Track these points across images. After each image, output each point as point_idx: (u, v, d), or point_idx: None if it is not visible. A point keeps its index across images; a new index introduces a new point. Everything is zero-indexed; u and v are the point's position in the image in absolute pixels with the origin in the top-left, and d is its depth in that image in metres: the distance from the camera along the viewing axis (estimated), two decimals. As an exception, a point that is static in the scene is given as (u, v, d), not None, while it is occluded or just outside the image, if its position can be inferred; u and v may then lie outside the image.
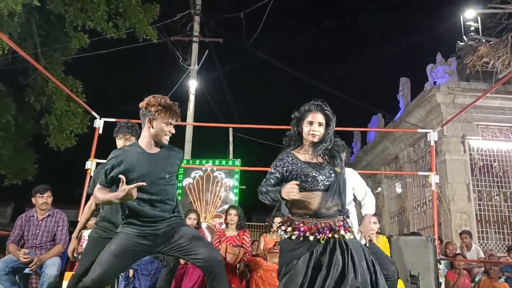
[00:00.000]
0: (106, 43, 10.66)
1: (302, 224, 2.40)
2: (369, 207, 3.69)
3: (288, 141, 2.62)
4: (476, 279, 6.24)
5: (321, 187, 2.42)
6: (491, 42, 10.20)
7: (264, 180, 2.53)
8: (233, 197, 8.62)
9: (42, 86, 10.36)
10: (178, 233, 2.69)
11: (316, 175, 2.43)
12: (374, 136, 14.44)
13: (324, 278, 2.23)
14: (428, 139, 6.43)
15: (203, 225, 7.26)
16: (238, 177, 8.79)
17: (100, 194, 2.60)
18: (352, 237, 2.41)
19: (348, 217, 2.52)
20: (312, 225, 2.38)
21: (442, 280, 5.58)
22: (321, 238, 2.33)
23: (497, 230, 9.42)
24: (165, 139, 2.70)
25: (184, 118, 10.47)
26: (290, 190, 2.29)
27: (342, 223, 2.41)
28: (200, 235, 2.79)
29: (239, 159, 9.82)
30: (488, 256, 7.21)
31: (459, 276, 5.84)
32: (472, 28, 11.24)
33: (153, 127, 2.66)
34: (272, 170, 2.53)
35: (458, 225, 8.99)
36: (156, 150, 2.72)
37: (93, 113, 6.17)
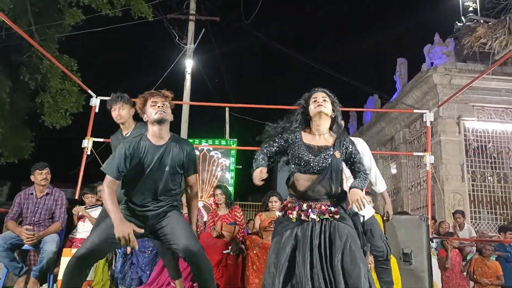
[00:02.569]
0: (101, 21, 10.53)
1: (290, 205, 2.53)
2: (381, 184, 3.73)
3: (289, 121, 2.70)
4: (468, 258, 6.37)
5: (313, 171, 2.51)
6: (489, 23, 10.17)
7: (267, 144, 2.65)
8: (229, 177, 8.68)
9: (36, 64, 10.25)
10: (165, 220, 2.76)
11: (310, 159, 2.51)
12: (370, 116, 14.46)
13: (292, 255, 2.37)
14: (424, 120, 6.46)
15: (200, 204, 7.32)
16: (234, 157, 8.84)
17: (108, 194, 2.64)
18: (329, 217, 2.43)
19: (342, 200, 2.54)
20: (296, 206, 2.50)
21: (434, 258, 5.69)
22: (295, 217, 2.46)
23: (489, 211, 9.56)
24: (155, 116, 2.73)
25: (180, 98, 10.44)
26: (254, 177, 2.45)
27: (325, 206, 2.45)
28: (185, 224, 2.77)
29: (235, 139, 9.84)
30: (479, 236, 7.35)
31: (448, 252, 5.93)
32: (471, 9, 11.19)
33: (146, 116, 2.79)
34: (277, 140, 2.64)
35: (452, 205, 9.11)
36: (162, 142, 2.79)
37: (89, 91, 6.14)
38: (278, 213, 2.63)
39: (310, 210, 2.45)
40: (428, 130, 6.41)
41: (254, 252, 4.67)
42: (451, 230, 6.76)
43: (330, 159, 2.50)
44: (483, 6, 10.95)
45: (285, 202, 2.62)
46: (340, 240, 2.34)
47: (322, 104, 2.56)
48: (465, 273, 6.09)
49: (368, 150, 3.64)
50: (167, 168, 2.74)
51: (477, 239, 6.84)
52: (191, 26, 11.41)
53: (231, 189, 8.74)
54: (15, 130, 11.10)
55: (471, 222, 9.07)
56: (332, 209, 2.44)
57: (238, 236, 4.91)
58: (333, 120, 2.62)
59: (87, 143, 5.92)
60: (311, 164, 2.50)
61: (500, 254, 6.15)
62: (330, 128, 2.64)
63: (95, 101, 6.11)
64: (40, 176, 4.45)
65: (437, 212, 9.14)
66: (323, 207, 2.45)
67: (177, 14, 11.39)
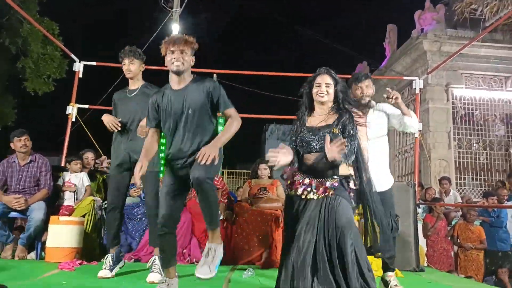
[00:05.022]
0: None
1: (297, 181, 2.65)
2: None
3: (301, 106, 2.81)
4: (453, 223, 6.51)
5: (316, 150, 2.62)
6: (481, -12, 10.02)
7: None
8: (218, 144, 8.62)
9: (17, 27, 9.88)
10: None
11: (310, 139, 2.64)
12: (358, 83, 14.37)
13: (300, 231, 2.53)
14: (414, 87, 6.46)
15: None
16: (222, 125, 8.75)
17: (146, 142, 2.87)
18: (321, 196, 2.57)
19: (347, 182, 2.72)
20: (300, 181, 2.63)
21: (420, 223, 5.80)
22: (304, 195, 2.60)
23: (474, 177, 9.73)
24: (172, 68, 2.74)
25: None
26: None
27: (326, 184, 2.57)
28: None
29: (223, 106, 9.71)
30: (466, 201, 7.49)
31: (437, 220, 6.07)
32: (462, -27, 10.99)
33: (166, 63, 2.79)
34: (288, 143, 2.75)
35: (437, 172, 9.24)
36: (182, 85, 2.79)
37: (72, 56, 5.95)
38: (288, 190, 2.71)
39: (310, 189, 2.58)
40: (417, 98, 6.41)
41: (244, 218, 4.69)
42: (437, 196, 6.87)
43: (330, 136, 2.58)
44: (474, -29, 10.77)
45: (294, 175, 2.71)
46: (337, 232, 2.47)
47: (323, 94, 2.69)
48: (449, 238, 6.24)
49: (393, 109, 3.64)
50: (190, 111, 2.72)
51: (463, 205, 6.97)
52: (177, -11, 11.03)
53: (219, 156, 8.70)
54: (-4, 96, 10.83)
55: (456, 188, 9.23)
56: (331, 185, 2.57)
57: (223, 200, 4.92)
58: (337, 99, 2.72)
59: (72, 110, 5.78)
60: (313, 144, 2.62)
61: (485, 219, 6.29)
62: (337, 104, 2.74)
63: (79, 66, 5.92)
64: (19, 143, 4.37)
65: (423, 179, 9.27)
66: (322, 188, 2.57)
67: (162, -24, 10.98)
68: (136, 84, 3.61)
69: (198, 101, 2.75)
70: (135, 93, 3.57)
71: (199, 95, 2.76)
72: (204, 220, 2.78)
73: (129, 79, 3.63)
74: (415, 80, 6.47)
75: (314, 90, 2.72)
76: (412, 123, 3.53)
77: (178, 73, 2.75)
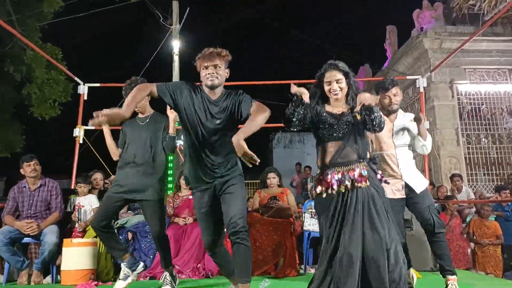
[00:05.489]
0: (83, 6, 10.27)
1: (328, 179, 2.56)
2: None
3: (312, 98, 2.72)
4: (467, 220, 6.43)
5: (338, 135, 2.58)
6: (478, -17, 10.00)
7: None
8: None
9: (20, 55, 10.02)
10: (227, 186, 2.74)
11: (333, 123, 2.58)
12: (362, 86, 14.37)
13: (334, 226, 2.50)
14: (417, 86, 6.44)
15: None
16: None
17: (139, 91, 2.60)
18: (364, 185, 2.50)
19: (374, 162, 2.66)
20: (327, 178, 2.55)
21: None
22: (334, 191, 2.53)
23: (485, 172, 9.62)
24: (207, 83, 2.69)
25: (169, 79, 10.28)
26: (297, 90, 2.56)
27: (357, 173, 2.50)
28: (238, 199, 2.70)
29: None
30: (479, 197, 7.39)
31: (451, 218, 5.99)
32: (458, -31, 10.99)
33: (201, 79, 2.74)
34: (299, 109, 2.62)
35: (448, 169, 9.15)
36: (213, 97, 2.73)
37: (76, 79, 6.02)
38: (317, 189, 2.64)
39: (344, 178, 2.50)
40: (421, 96, 6.39)
41: (256, 228, 4.67)
42: (449, 193, 6.80)
43: (352, 123, 2.59)
44: (470, -33, 10.76)
45: (317, 176, 2.68)
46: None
47: (337, 92, 2.63)
48: (465, 235, 6.15)
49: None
50: (217, 122, 2.68)
51: (476, 201, 6.89)
52: (175, 6, 11.16)
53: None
54: (4, 124, 10.94)
55: (468, 184, 9.13)
56: (364, 172, 2.50)
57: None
58: (351, 91, 2.70)
59: (79, 132, 5.84)
60: (335, 127, 2.58)
61: (499, 214, 6.21)
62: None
63: (83, 89, 5.99)
64: (29, 168, 4.42)
65: (434, 177, 9.18)
66: (356, 175, 2.49)
67: (159, -6, 11.11)
68: (145, 114, 3.62)
69: (227, 114, 2.69)
70: (146, 121, 3.57)
71: (229, 108, 2.70)
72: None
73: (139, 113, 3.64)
74: (418, 79, 6.46)
75: (326, 88, 2.65)
76: (427, 146, 3.49)
77: (213, 87, 2.70)
